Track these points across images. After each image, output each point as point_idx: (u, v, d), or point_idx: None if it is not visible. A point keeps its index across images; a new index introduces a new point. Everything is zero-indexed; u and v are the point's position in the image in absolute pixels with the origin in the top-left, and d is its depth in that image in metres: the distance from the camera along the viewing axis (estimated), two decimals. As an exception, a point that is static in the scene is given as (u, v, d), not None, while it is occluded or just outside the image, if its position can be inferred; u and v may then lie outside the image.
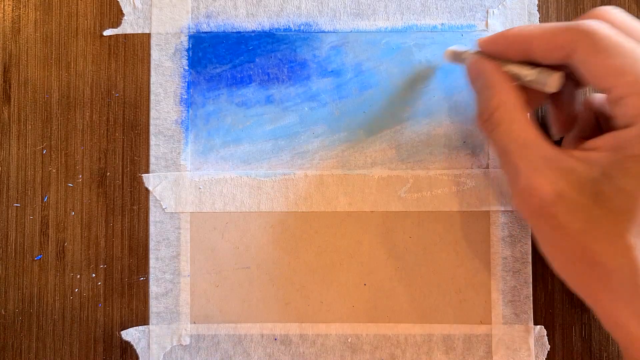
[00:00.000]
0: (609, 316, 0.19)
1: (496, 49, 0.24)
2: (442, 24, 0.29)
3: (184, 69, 0.29)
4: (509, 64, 0.23)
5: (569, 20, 0.29)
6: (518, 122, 0.21)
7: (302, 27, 0.29)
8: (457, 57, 0.26)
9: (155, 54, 0.29)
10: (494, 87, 0.23)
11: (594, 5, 0.29)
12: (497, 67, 0.23)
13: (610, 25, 0.20)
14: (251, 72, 0.29)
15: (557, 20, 0.29)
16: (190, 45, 0.29)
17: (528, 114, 0.22)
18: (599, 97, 0.25)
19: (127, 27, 0.29)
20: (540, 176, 0.20)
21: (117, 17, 0.29)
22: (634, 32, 0.20)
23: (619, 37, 0.19)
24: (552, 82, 0.22)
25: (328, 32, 0.29)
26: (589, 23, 0.20)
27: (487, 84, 0.23)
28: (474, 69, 0.24)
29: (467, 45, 0.26)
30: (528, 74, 0.22)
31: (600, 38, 0.20)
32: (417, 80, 0.28)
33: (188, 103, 0.29)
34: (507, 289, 0.28)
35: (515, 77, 0.23)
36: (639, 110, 0.19)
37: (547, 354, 0.28)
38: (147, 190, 0.29)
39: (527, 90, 0.23)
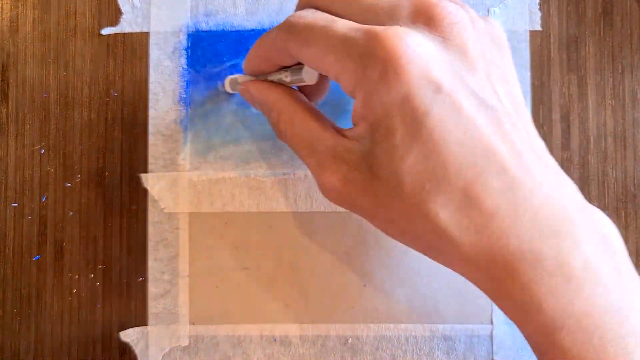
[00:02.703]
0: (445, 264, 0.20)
1: (253, 67, 0.24)
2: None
3: (182, 67, 0.29)
4: (272, 74, 0.24)
5: (570, 17, 0.28)
6: (297, 123, 0.22)
7: (301, 26, 0.29)
8: (233, 85, 0.27)
9: (154, 52, 0.29)
10: (266, 101, 0.23)
11: (595, 5, 0.28)
12: (260, 82, 0.24)
13: (313, 8, 0.21)
14: (250, 71, 0.28)
15: (559, 18, 0.28)
16: (189, 44, 0.29)
17: (308, 110, 0.22)
18: None
19: (126, 25, 0.29)
20: (326, 169, 0.20)
21: (115, 15, 0.29)
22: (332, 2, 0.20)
23: (313, 22, 0.20)
24: (306, 75, 0.22)
25: (328, 30, 0.28)
26: (289, 18, 0.21)
27: (259, 100, 0.24)
28: (244, 92, 0.25)
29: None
30: (284, 76, 0.23)
31: (297, 30, 0.20)
32: None
33: (187, 102, 0.28)
34: (508, 290, 0.28)
35: (282, 84, 0.23)
36: (349, 84, 0.19)
37: (549, 355, 0.27)
38: (145, 190, 0.28)
39: (303, 88, 0.24)
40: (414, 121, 0.17)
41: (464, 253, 0.18)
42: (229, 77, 0.27)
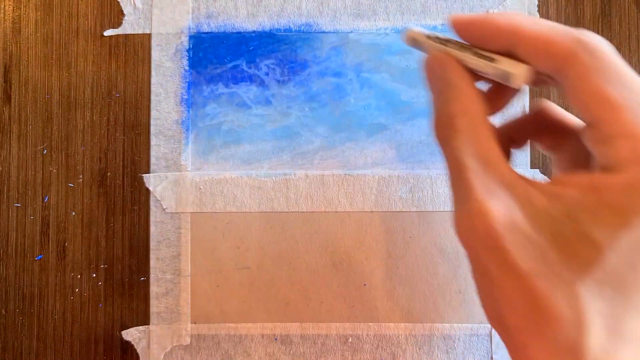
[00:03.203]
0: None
1: (472, 34, 0.20)
2: (443, 24, 0.29)
3: (184, 69, 0.29)
4: (468, 51, 0.20)
5: (569, 19, 0.29)
6: (481, 135, 0.18)
7: (302, 28, 0.29)
8: (417, 43, 0.22)
9: (155, 54, 0.29)
10: (457, 90, 0.19)
11: (594, 7, 0.29)
12: (456, 61, 0.20)
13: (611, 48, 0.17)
14: (251, 73, 0.29)
15: (558, 19, 0.29)
16: (191, 46, 0.29)
17: (491, 124, 0.19)
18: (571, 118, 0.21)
19: (128, 27, 0.29)
20: (494, 200, 0.17)
21: (117, 17, 0.29)
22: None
23: (621, 62, 0.17)
24: (518, 75, 0.18)
25: (328, 32, 0.29)
26: (593, 36, 0.17)
27: (449, 84, 0.20)
28: (435, 64, 0.21)
29: (429, 29, 0.23)
30: (490, 62, 0.19)
31: (602, 57, 0.17)
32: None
33: (189, 103, 0.29)
34: (507, 289, 0.28)
35: (472, 68, 0.20)
36: (631, 156, 0.16)
37: (547, 354, 0.28)
38: (147, 190, 0.29)
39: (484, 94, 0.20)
40: None
41: None
42: (416, 31, 0.22)
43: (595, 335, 0.16)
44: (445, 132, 0.19)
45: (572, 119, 0.21)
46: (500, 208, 0.17)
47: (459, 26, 0.20)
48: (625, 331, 0.16)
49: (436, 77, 0.21)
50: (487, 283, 0.18)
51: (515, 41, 0.18)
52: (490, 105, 0.21)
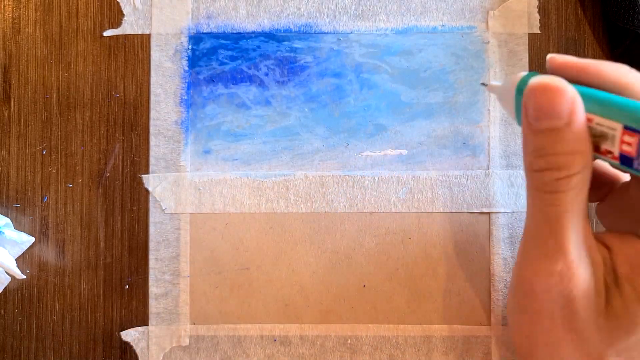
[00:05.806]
0: None
1: (571, 77, 0.18)
2: (443, 25, 0.29)
3: (184, 69, 0.29)
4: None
5: (569, 20, 0.29)
6: (584, 197, 0.17)
7: (302, 28, 0.29)
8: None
9: (155, 54, 0.29)
10: (575, 148, 0.16)
11: (594, 9, 0.29)
12: (583, 127, 0.17)
13: None
14: (251, 73, 0.29)
15: (558, 21, 0.29)
16: (190, 46, 0.29)
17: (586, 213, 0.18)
18: None
19: (128, 27, 0.29)
20: (582, 265, 0.17)
21: (117, 17, 0.29)
22: None
23: None
24: None
25: (328, 33, 0.29)
26: None
27: (565, 136, 0.16)
28: (543, 100, 0.17)
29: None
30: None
31: None
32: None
33: (188, 104, 0.29)
34: (506, 291, 0.28)
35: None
36: None
37: (547, 356, 0.28)
38: (147, 190, 0.29)
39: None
40: None
41: None
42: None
43: None
44: (553, 179, 0.17)
45: (613, 172, 0.21)
46: (583, 274, 0.17)
47: (556, 66, 0.18)
48: None
49: (543, 115, 0.17)
50: (541, 329, 0.18)
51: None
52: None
